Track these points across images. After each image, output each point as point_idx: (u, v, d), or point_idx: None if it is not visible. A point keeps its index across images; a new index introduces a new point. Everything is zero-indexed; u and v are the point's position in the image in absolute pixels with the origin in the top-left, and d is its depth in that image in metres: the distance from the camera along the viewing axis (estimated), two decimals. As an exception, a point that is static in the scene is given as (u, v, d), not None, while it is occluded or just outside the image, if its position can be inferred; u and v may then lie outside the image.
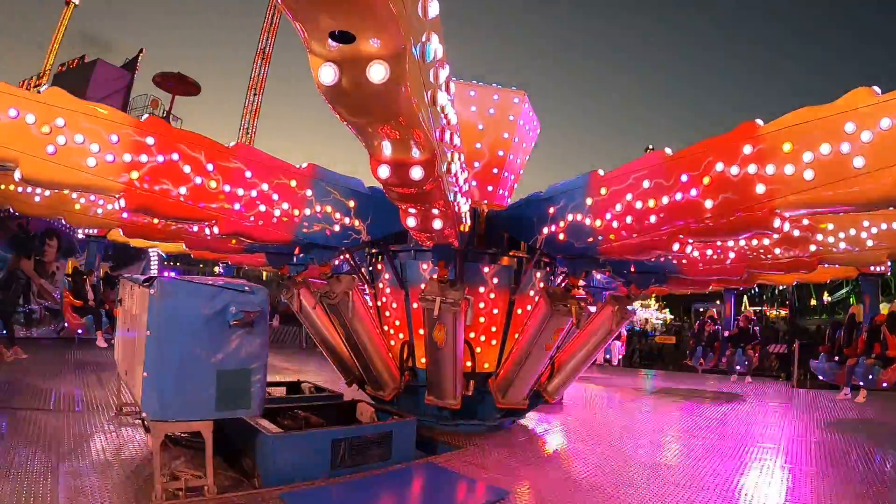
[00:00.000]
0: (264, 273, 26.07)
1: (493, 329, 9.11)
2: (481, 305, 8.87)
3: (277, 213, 7.67)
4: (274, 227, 7.74)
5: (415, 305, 8.82)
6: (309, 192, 7.91)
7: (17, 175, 6.09)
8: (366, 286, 9.73)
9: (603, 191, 7.30)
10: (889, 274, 15.65)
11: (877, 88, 5.13)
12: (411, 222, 6.20)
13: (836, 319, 16.80)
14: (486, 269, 8.86)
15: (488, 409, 9.19)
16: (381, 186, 4.99)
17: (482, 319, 8.96)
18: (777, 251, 9.62)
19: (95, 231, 15.36)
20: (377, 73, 2.97)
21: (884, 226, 9.08)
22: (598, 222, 7.37)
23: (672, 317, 54.38)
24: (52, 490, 5.48)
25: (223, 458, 6.81)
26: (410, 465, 7.22)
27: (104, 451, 6.95)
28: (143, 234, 10.97)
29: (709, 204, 6.03)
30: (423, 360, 8.69)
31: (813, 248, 9.53)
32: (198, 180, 6.90)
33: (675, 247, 6.53)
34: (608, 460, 7.98)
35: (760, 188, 5.61)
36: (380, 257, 9.46)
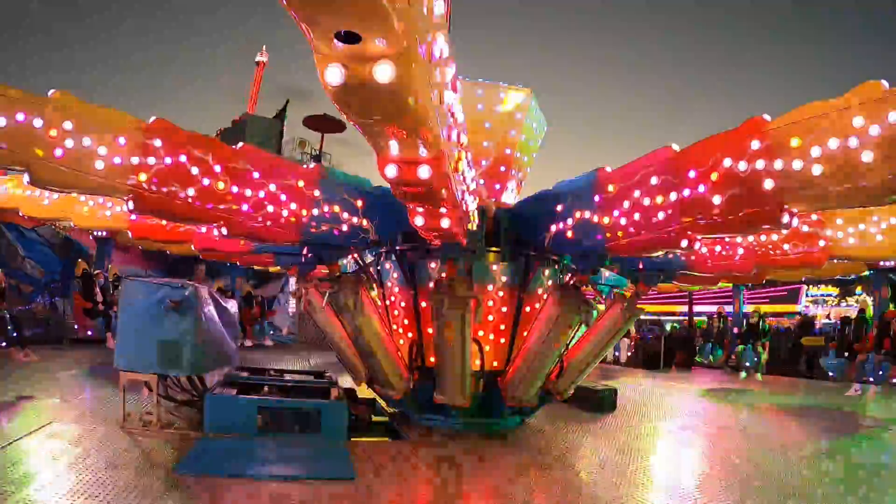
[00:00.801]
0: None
1: (502, 327, 9.10)
2: (490, 303, 8.86)
3: (285, 213, 7.68)
4: (282, 228, 7.75)
5: (423, 304, 8.82)
6: (317, 192, 7.92)
7: (25, 179, 6.11)
8: (374, 285, 9.73)
9: (610, 188, 7.28)
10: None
11: (884, 82, 5.11)
12: (419, 221, 6.20)
13: (846, 316, 16.68)
14: (494, 268, 8.86)
15: (497, 408, 9.19)
16: (389, 186, 5.00)
17: (490, 318, 8.95)
18: (786, 247, 9.59)
19: (104, 233, 15.46)
20: (383, 72, 2.98)
21: (893, 220, 9.05)
22: (605, 219, 7.35)
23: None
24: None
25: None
26: (320, 438, 8.08)
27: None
28: (151, 235, 11.03)
29: (717, 200, 6.01)
30: (432, 359, 8.69)
31: (822, 243, 9.50)
32: (205, 182, 6.91)
33: (684, 243, 6.51)
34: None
35: (769, 184, 5.59)
36: (388, 256, 9.46)
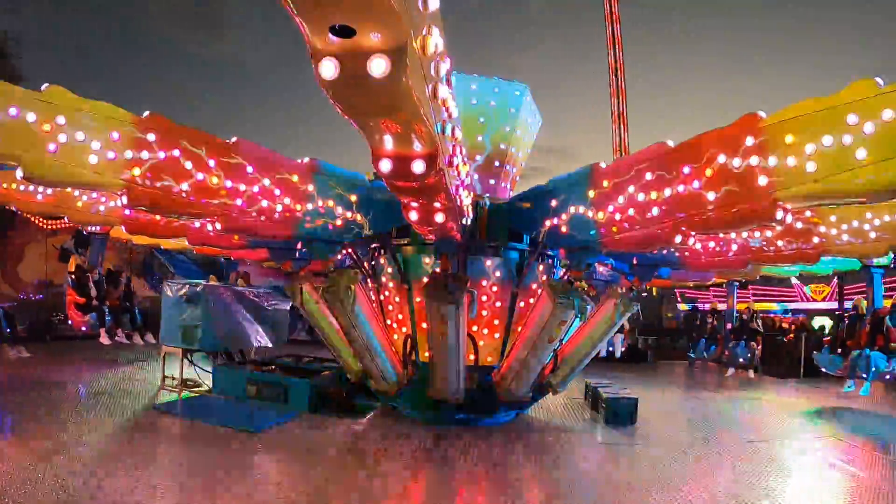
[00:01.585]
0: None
1: (496, 322, 9.10)
2: (484, 298, 8.86)
3: (279, 208, 7.67)
4: (276, 223, 7.75)
5: (417, 299, 8.82)
6: (311, 187, 7.91)
7: (18, 174, 6.09)
8: (368, 280, 9.72)
9: (605, 183, 7.29)
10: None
11: (879, 80, 5.12)
12: (413, 216, 6.20)
13: (839, 312, 16.72)
14: (488, 263, 8.85)
15: (491, 403, 9.20)
16: (383, 180, 4.99)
17: (485, 313, 8.95)
18: (780, 243, 9.61)
19: (98, 228, 15.39)
20: (378, 67, 2.97)
21: (887, 217, 9.06)
22: (600, 215, 7.37)
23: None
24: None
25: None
26: (288, 410, 9.82)
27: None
28: (145, 230, 10.97)
29: (711, 196, 6.03)
30: (426, 354, 8.69)
31: (816, 239, 9.52)
32: (199, 176, 6.90)
33: (678, 239, 6.53)
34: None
35: (763, 180, 5.61)
36: (382, 251, 9.45)
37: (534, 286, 9.25)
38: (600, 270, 11.31)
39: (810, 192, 5.47)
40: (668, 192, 6.46)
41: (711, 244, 9.86)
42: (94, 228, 15.65)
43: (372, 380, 9.30)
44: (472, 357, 8.74)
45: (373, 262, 9.80)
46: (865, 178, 5.12)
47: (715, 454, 8.24)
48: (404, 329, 9.36)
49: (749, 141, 5.70)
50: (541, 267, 9.36)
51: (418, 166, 4.35)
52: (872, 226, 9.20)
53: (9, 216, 15.62)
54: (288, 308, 12.89)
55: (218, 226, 7.35)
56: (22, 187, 10.34)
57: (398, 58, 2.98)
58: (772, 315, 23.66)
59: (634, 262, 9.96)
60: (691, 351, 20.12)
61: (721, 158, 5.91)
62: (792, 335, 18.84)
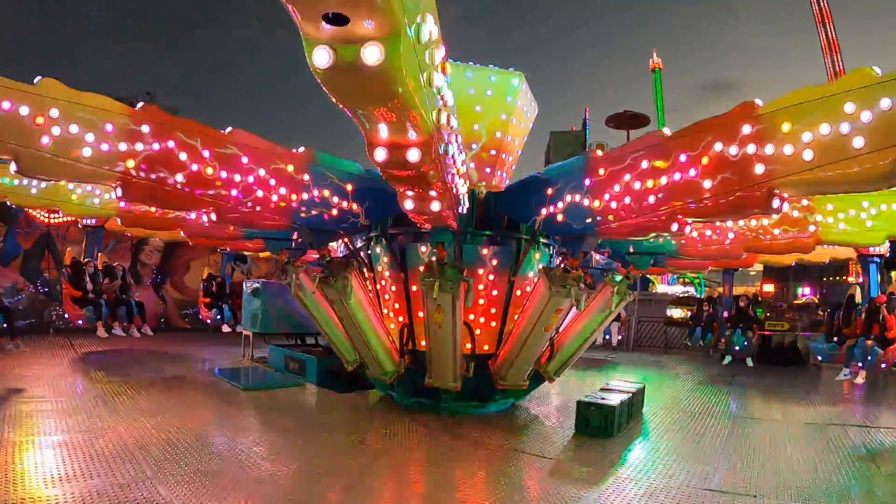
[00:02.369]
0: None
1: (493, 311, 9.10)
2: (480, 287, 8.86)
3: (275, 198, 7.66)
4: (272, 213, 7.73)
5: (414, 288, 8.81)
6: (306, 177, 7.89)
7: (12, 168, 6.07)
8: (364, 270, 9.71)
9: (601, 171, 7.28)
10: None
11: (877, 68, 5.11)
12: (409, 205, 6.18)
13: (836, 300, 16.74)
14: (484, 251, 8.84)
15: (488, 391, 9.21)
16: (379, 169, 4.98)
17: (481, 301, 8.95)
18: (776, 231, 9.61)
19: (93, 221, 15.36)
20: (372, 54, 2.95)
21: (883, 206, 9.08)
22: (596, 203, 7.36)
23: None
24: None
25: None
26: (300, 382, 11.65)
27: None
28: (140, 223, 10.98)
29: (707, 184, 6.03)
30: (423, 343, 8.69)
31: (812, 228, 9.53)
32: (194, 167, 6.88)
33: (674, 227, 6.52)
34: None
35: (759, 168, 5.61)
36: (378, 240, 9.44)
37: (530, 274, 9.24)
38: (597, 259, 11.31)
39: (807, 181, 5.47)
40: (664, 180, 6.46)
41: (708, 232, 9.87)
42: (89, 221, 15.64)
43: (368, 368, 9.31)
44: (468, 345, 8.74)
45: (369, 252, 9.79)
46: (862, 167, 5.12)
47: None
48: (400, 318, 9.37)
49: (746, 129, 5.70)
50: (537, 255, 9.35)
51: (413, 155, 4.34)
52: (869, 215, 9.22)
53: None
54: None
55: (213, 217, 7.33)
56: (16, 181, 10.32)
57: (392, 45, 2.96)
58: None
59: (631, 250, 9.97)
60: (688, 339, 20.11)
61: (718, 146, 5.91)
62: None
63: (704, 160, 6.03)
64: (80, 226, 16.12)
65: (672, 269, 15.44)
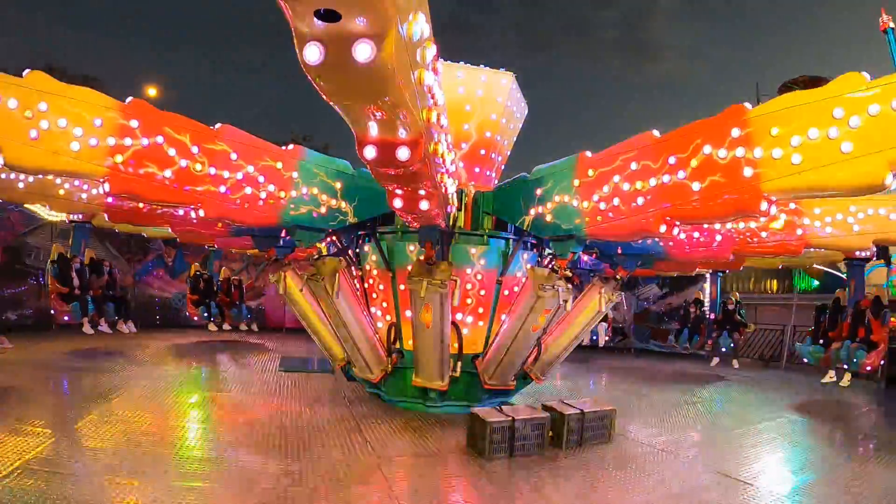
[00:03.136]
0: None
1: (481, 310, 9.11)
2: (468, 287, 8.86)
3: (263, 195, 7.63)
4: (260, 210, 7.71)
5: (402, 287, 8.80)
6: (295, 174, 7.87)
7: (0, 161, 6.03)
8: (352, 268, 9.70)
9: (590, 172, 7.30)
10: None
11: (866, 74, 5.14)
12: (398, 203, 6.17)
13: (821, 304, 16.79)
14: (472, 251, 8.85)
15: (475, 390, 9.22)
16: (368, 167, 4.97)
17: (469, 301, 8.95)
18: (764, 234, 9.65)
19: (80, 216, 15.27)
20: (363, 52, 2.95)
21: (870, 211, 9.13)
22: (585, 204, 7.38)
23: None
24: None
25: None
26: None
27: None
28: (128, 218, 10.91)
29: (696, 186, 6.05)
30: (411, 342, 8.69)
31: (799, 232, 9.57)
32: (183, 163, 6.85)
33: (662, 229, 6.54)
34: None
35: (748, 171, 5.63)
36: (366, 239, 9.43)
37: (518, 274, 9.26)
38: (585, 259, 11.33)
39: (795, 185, 5.49)
40: (653, 181, 6.47)
41: (696, 235, 9.89)
42: (76, 217, 15.55)
43: (356, 367, 9.30)
44: (456, 345, 8.75)
45: (357, 250, 9.78)
46: (850, 171, 5.15)
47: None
48: (388, 317, 9.36)
49: (735, 132, 5.72)
50: (525, 255, 9.37)
51: (403, 153, 4.33)
52: (856, 219, 9.27)
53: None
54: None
55: (201, 213, 7.30)
56: (4, 175, 10.25)
57: (383, 43, 2.96)
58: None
59: (619, 251, 9.98)
60: (674, 341, 20.17)
61: (707, 149, 5.93)
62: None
63: (693, 162, 6.05)
64: (67, 221, 16.01)
65: (659, 271, 15.46)
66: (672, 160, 6.27)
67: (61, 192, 11.12)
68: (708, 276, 19.86)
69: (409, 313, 8.52)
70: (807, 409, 10.97)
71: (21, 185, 10.70)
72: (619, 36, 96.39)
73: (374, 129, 4.11)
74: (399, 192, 5.96)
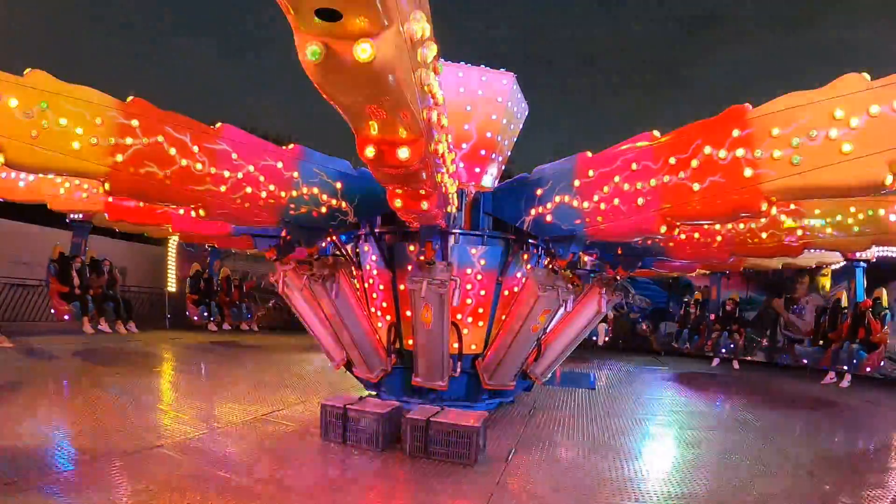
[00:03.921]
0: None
1: (481, 311, 9.12)
2: (468, 287, 8.87)
3: (264, 194, 7.62)
4: (260, 209, 7.70)
5: (402, 287, 8.81)
6: (296, 174, 7.87)
7: (0, 160, 6.03)
8: (353, 268, 9.71)
9: (590, 173, 7.29)
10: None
11: (866, 74, 5.14)
12: (398, 203, 6.17)
13: (822, 305, 16.85)
14: (473, 251, 8.85)
15: (475, 391, 9.22)
16: (369, 167, 4.97)
17: (469, 301, 8.96)
18: (764, 235, 9.64)
19: (80, 216, 15.29)
20: (363, 51, 2.94)
21: (870, 212, 9.12)
22: (585, 204, 7.37)
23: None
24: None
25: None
26: None
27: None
28: (127, 217, 10.91)
29: (696, 187, 6.04)
30: (411, 342, 8.69)
31: (799, 232, 9.56)
32: (183, 162, 6.84)
33: (663, 229, 6.53)
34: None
35: (748, 172, 5.62)
36: (367, 239, 9.43)
37: (518, 275, 9.27)
38: (585, 260, 11.34)
39: (796, 185, 5.48)
40: (653, 182, 6.47)
41: (696, 235, 9.89)
42: (76, 216, 15.57)
43: (356, 367, 9.31)
44: (456, 345, 8.75)
45: (357, 250, 9.78)
46: (851, 172, 5.14)
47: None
48: (388, 317, 9.37)
49: (735, 133, 5.71)
50: (525, 256, 9.37)
51: (403, 153, 4.33)
52: (856, 220, 9.26)
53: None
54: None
55: (201, 212, 7.29)
56: (4, 174, 10.27)
57: (384, 42, 2.95)
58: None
59: (619, 251, 9.99)
60: (674, 341, 20.20)
61: (707, 150, 5.92)
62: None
63: (694, 163, 6.04)
64: (67, 220, 16.03)
65: (659, 272, 15.50)
66: (672, 161, 6.26)
67: (61, 191, 11.12)
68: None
69: (409, 313, 8.52)
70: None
71: (22, 184, 10.72)
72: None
73: (374, 129, 4.11)
74: (399, 191, 5.95)
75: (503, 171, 10.42)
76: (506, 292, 9.19)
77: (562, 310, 8.64)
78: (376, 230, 9.12)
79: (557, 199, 7.78)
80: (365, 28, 2.86)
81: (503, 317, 8.99)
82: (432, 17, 3.63)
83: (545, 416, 9.93)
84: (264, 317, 21.97)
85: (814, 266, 17.28)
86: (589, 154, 7.50)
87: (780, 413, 11.13)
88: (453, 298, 7.96)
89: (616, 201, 6.94)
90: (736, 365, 17.54)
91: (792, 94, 5.47)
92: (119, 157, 6.40)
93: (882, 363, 13.23)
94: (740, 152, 5.66)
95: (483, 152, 9.64)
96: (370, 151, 4.31)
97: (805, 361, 15.48)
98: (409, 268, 8.11)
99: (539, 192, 8.06)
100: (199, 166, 6.95)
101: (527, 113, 10.41)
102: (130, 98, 6.62)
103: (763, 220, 8.69)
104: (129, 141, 6.47)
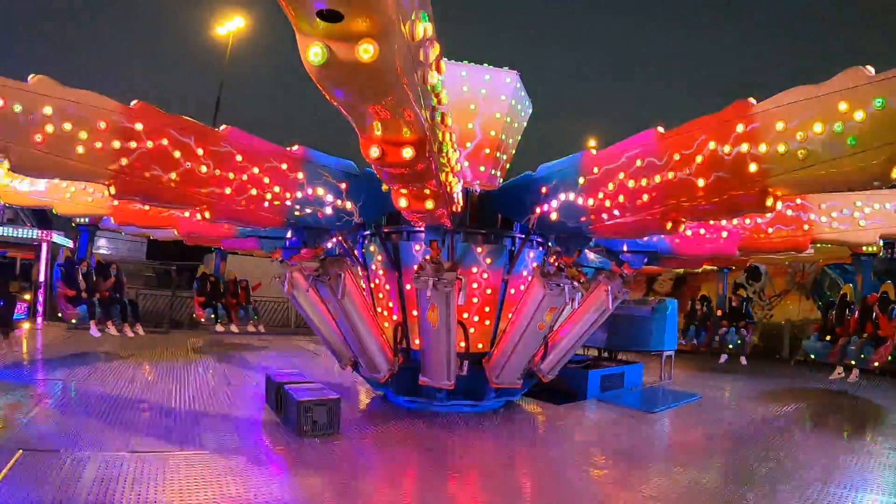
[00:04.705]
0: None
1: (487, 309, 9.12)
2: (474, 286, 8.87)
3: (269, 196, 7.63)
4: (265, 211, 7.71)
5: (408, 287, 8.82)
6: (300, 175, 7.88)
7: (5, 165, 6.04)
8: (358, 268, 9.72)
9: (595, 170, 7.28)
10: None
11: (870, 68, 5.12)
12: (403, 203, 6.18)
13: (829, 299, 16.80)
14: (478, 250, 8.85)
15: (481, 390, 9.22)
16: (373, 167, 4.98)
17: (475, 300, 8.96)
18: (770, 230, 9.63)
19: (87, 220, 15.33)
20: (366, 52, 2.94)
21: (876, 205, 9.10)
22: (590, 201, 7.36)
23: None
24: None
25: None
26: None
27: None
28: (133, 220, 10.94)
29: (701, 183, 6.02)
30: (417, 342, 8.70)
31: (806, 227, 9.55)
32: (188, 165, 6.85)
33: (668, 226, 6.52)
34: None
35: (753, 167, 5.60)
36: (372, 239, 9.44)
37: (524, 273, 9.26)
38: (591, 257, 11.32)
39: (800, 180, 5.46)
40: (658, 178, 6.45)
41: (702, 231, 9.87)
42: (82, 220, 15.62)
43: (363, 368, 9.31)
44: (462, 344, 8.75)
45: (363, 250, 9.79)
46: (856, 165, 5.12)
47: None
48: (394, 316, 9.37)
49: (740, 128, 5.69)
50: (531, 254, 9.37)
51: (407, 152, 4.33)
52: (862, 213, 9.25)
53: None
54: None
55: (207, 215, 7.30)
56: (8, 179, 10.30)
57: (386, 43, 2.96)
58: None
59: (625, 248, 9.98)
60: (682, 337, 20.14)
61: (711, 145, 5.91)
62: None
63: (698, 159, 6.03)
64: (72, 224, 16.09)
65: (665, 268, 15.50)
66: (677, 157, 6.24)
67: (67, 195, 11.14)
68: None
69: (415, 313, 8.53)
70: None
71: (27, 188, 10.75)
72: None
73: (378, 129, 4.11)
74: (404, 191, 5.97)
75: (507, 169, 10.41)
76: (512, 290, 9.18)
77: (568, 307, 8.62)
78: (382, 230, 9.13)
79: (562, 196, 7.77)
80: (367, 29, 2.87)
81: (510, 315, 8.98)
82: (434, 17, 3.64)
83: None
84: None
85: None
86: (593, 151, 7.49)
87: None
88: (459, 297, 7.96)
89: (621, 198, 6.93)
90: (744, 361, 17.46)
91: (796, 88, 5.45)
92: (124, 161, 6.42)
93: (890, 357, 13.16)
94: (744, 147, 5.64)
95: (487, 151, 9.64)
96: (374, 151, 4.31)
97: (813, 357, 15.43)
98: (415, 267, 8.11)
99: (544, 189, 8.05)
100: (203, 169, 6.97)
101: (530, 110, 10.41)
102: (134, 102, 6.63)
103: (769, 214, 8.67)
104: (133, 145, 6.48)
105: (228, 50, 33.69)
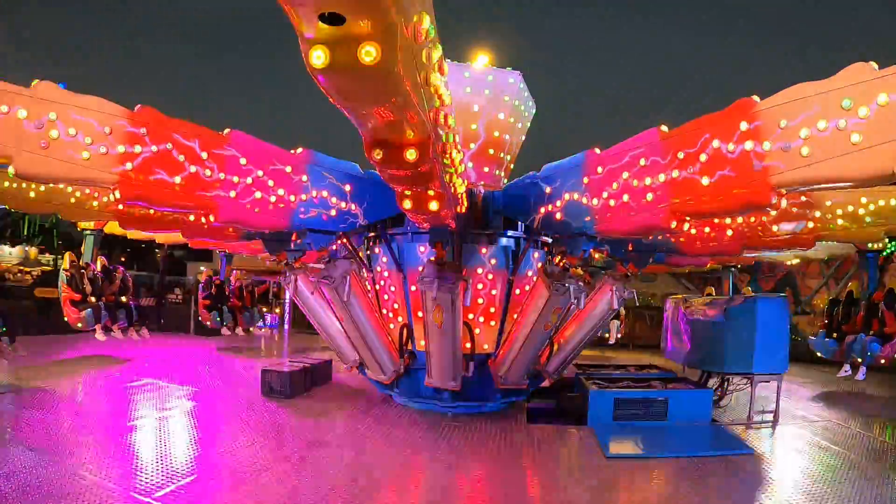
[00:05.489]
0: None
1: (492, 310, 9.12)
2: (479, 286, 8.87)
3: (273, 199, 7.64)
4: (270, 214, 7.72)
5: (413, 288, 8.82)
6: (305, 178, 7.89)
7: (10, 171, 6.06)
8: (363, 270, 9.72)
9: (599, 169, 7.27)
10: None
11: (874, 64, 5.10)
12: (407, 204, 6.18)
13: (835, 296, 16.69)
14: (483, 250, 8.86)
15: (487, 391, 9.22)
16: (377, 169, 4.98)
17: (480, 301, 8.96)
18: (774, 228, 9.61)
19: (92, 224, 15.36)
20: (368, 54, 2.94)
21: (882, 202, 9.07)
22: (594, 201, 7.35)
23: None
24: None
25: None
26: None
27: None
28: (139, 224, 10.95)
29: (705, 181, 6.02)
30: (422, 343, 8.70)
31: (810, 224, 9.52)
32: (192, 169, 6.86)
33: (673, 224, 6.51)
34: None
35: (757, 165, 5.59)
36: (377, 241, 9.45)
37: (529, 273, 9.26)
38: (596, 257, 11.31)
39: (805, 177, 5.45)
40: (662, 177, 6.45)
41: (707, 229, 9.86)
42: (88, 224, 15.65)
43: (368, 369, 9.31)
44: (468, 345, 8.75)
45: (368, 252, 9.80)
46: (860, 162, 5.11)
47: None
48: (400, 318, 9.38)
49: (743, 125, 5.69)
50: (536, 254, 9.37)
51: (411, 154, 4.34)
52: (867, 210, 9.22)
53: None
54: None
55: (212, 218, 7.31)
56: (15, 184, 10.32)
57: (389, 45, 2.95)
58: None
59: (630, 247, 9.96)
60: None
61: (715, 143, 5.90)
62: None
63: (702, 157, 6.02)
64: (79, 229, 16.12)
65: (670, 266, 15.46)
66: (681, 155, 6.24)
67: (72, 199, 11.14)
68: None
69: (420, 314, 8.53)
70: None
71: (32, 194, 10.76)
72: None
73: (381, 131, 4.11)
74: (408, 193, 5.97)
75: (511, 170, 10.41)
76: (517, 291, 9.18)
77: (573, 307, 8.61)
78: (386, 232, 9.13)
79: (567, 196, 7.77)
80: (369, 31, 2.87)
81: (515, 315, 8.97)
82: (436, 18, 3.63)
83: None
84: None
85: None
86: (597, 151, 7.49)
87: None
88: (464, 298, 7.96)
89: (625, 197, 6.93)
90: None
91: (799, 84, 5.44)
92: (128, 165, 6.43)
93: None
94: (749, 145, 5.63)
95: (491, 151, 9.63)
96: (378, 153, 4.32)
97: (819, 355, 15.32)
98: (420, 268, 8.11)
99: (548, 189, 8.05)
100: (208, 172, 6.98)
101: (534, 111, 10.40)
102: (138, 107, 6.64)
103: (773, 212, 8.64)
104: (137, 149, 6.50)
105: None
